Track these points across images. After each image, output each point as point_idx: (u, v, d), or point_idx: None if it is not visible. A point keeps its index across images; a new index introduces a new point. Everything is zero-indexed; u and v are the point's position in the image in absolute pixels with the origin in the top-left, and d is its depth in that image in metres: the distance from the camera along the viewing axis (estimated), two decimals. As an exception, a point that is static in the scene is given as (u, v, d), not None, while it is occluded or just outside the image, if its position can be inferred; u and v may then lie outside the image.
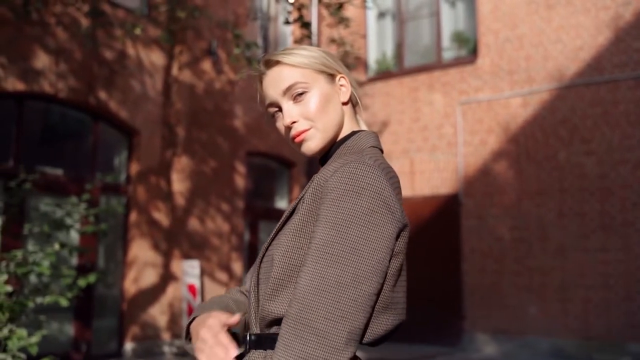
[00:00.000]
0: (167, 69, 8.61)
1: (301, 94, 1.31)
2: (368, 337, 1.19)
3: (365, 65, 10.54)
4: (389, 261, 1.15)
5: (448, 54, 9.87)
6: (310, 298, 1.09)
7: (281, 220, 1.28)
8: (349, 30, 9.08)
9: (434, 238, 9.33)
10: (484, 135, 9.09)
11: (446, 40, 9.91)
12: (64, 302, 5.01)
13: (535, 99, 8.74)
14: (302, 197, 1.26)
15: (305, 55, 1.34)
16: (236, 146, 9.38)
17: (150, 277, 8.08)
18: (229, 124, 9.30)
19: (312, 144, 1.32)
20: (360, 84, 10.43)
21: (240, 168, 9.44)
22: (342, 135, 1.38)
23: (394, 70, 10.34)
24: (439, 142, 9.48)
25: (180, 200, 8.53)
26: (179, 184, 8.53)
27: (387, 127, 10.02)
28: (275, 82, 1.33)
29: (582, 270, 8.11)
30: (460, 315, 8.94)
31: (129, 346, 7.78)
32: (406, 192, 9.65)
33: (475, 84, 9.29)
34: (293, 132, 1.32)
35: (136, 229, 8.01)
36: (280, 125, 1.36)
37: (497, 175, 8.91)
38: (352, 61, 7.73)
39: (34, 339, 4.67)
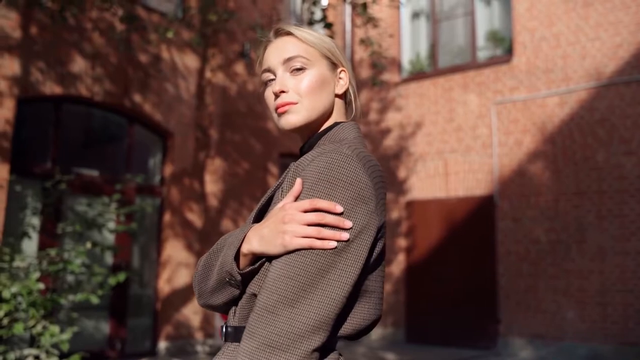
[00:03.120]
0: (201, 71, 8.73)
1: (300, 69, 1.31)
2: (346, 329, 1.17)
3: (398, 66, 10.48)
4: (366, 253, 1.12)
5: (483, 54, 9.73)
6: (278, 285, 1.07)
7: (258, 208, 1.27)
8: (380, 30, 9.05)
9: (469, 240, 9.20)
10: (519, 136, 8.92)
11: (481, 40, 9.77)
12: (94, 300, 5.14)
13: (573, 98, 8.53)
14: (279, 185, 1.25)
15: (316, 36, 1.35)
16: (269, 148, 9.44)
17: (183, 277, 8.19)
18: (261, 125, 9.36)
19: (293, 118, 1.30)
20: (394, 85, 10.38)
21: (273, 169, 9.49)
22: (326, 126, 1.36)
23: (427, 70, 10.24)
24: (473, 142, 9.34)
25: (213, 202, 8.63)
26: (212, 186, 8.63)
27: (421, 128, 9.93)
28: (279, 49, 1.33)
29: (622, 274, 7.87)
30: (495, 319, 8.78)
31: (162, 345, 7.91)
32: (440, 193, 9.55)
33: (511, 83, 9.13)
34: (279, 101, 1.30)
35: (170, 229, 8.13)
36: (269, 93, 1.34)
37: (533, 176, 8.73)
38: (380, 61, 7.66)
39: (65, 335, 4.79)
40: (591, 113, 8.36)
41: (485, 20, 9.81)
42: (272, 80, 1.34)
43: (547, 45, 8.86)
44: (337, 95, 1.38)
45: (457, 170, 9.45)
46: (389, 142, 10.29)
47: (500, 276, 8.83)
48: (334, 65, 1.36)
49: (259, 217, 1.29)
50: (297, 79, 1.31)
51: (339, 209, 1.08)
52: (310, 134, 1.36)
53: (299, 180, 1.14)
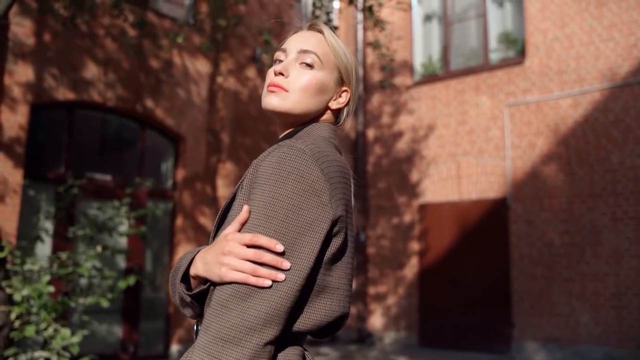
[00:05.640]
0: (212, 76, 8.78)
1: (309, 65, 1.34)
2: (305, 324, 1.17)
3: (410, 68, 10.46)
4: (319, 245, 1.13)
5: (495, 56, 9.67)
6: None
7: (223, 207, 1.29)
8: (387, 32, 9.04)
9: (482, 243, 9.13)
10: (532, 138, 8.84)
11: (493, 42, 9.72)
12: (104, 303, 5.18)
13: (586, 100, 8.44)
14: (241, 182, 1.26)
15: (342, 47, 1.39)
16: (281, 152, 9.46)
17: (195, 281, 8.23)
18: (273, 129, 9.39)
19: (275, 101, 1.32)
20: (406, 88, 10.36)
21: (285, 173, 9.50)
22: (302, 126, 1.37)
23: (440, 73, 10.21)
24: (486, 145, 9.28)
25: (225, 206, 8.67)
26: (224, 190, 8.67)
27: (433, 130, 9.89)
28: (302, 39, 1.37)
29: (638, 277, 7.75)
30: (509, 323, 8.70)
31: (175, 348, 7.95)
32: (453, 196, 9.50)
33: (523, 85, 9.06)
34: (274, 80, 1.33)
35: (182, 233, 8.18)
36: (271, 71, 1.37)
37: (547, 178, 8.64)
38: (389, 63, 7.64)
39: (75, 338, 4.84)
40: (605, 114, 8.27)
41: (498, 21, 9.75)
42: (281, 61, 1.37)
43: (560, 46, 8.79)
44: (330, 109, 1.39)
45: (470, 173, 9.39)
46: (401, 145, 10.27)
47: (514, 279, 8.75)
48: (341, 81, 1.39)
49: (223, 216, 1.30)
50: (301, 72, 1.33)
51: (279, 248, 1.09)
52: (287, 127, 1.38)
53: (245, 208, 1.15)
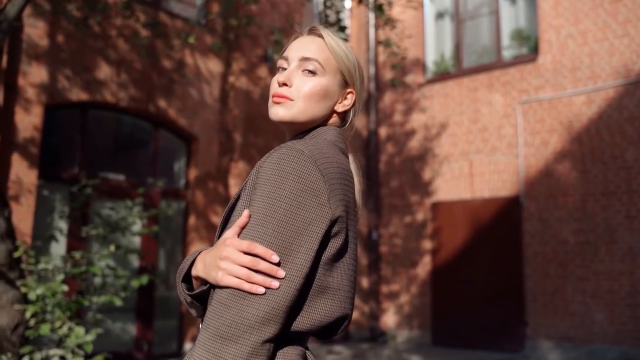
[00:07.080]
0: (224, 76, 8.81)
1: (311, 71, 1.35)
2: (305, 323, 1.18)
3: (423, 66, 10.42)
4: (317, 245, 1.14)
5: (508, 53, 9.61)
6: None
7: (227, 207, 1.31)
8: (397, 31, 9.01)
9: (495, 242, 9.09)
10: (545, 135, 8.78)
11: (506, 39, 9.66)
12: (117, 302, 5.22)
13: (600, 96, 8.36)
14: (245, 183, 1.28)
15: (343, 49, 1.39)
16: (293, 151, 9.47)
17: (208, 280, 8.27)
18: (284, 129, 9.41)
19: (281, 112, 1.34)
20: (418, 86, 10.33)
21: (297, 172, 9.51)
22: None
23: (452, 71, 10.16)
24: (498, 143, 9.23)
25: (237, 205, 8.70)
26: (236, 189, 8.70)
27: (446, 129, 9.85)
28: (303, 46, 1.38)
29: (653, 276, 7.68)
30: (522, 322, 8.65)
31: (188, 346, 7.99)
32: (465, 194, 9.46)
33: (536, 82, 9.00)
34: (278, 91, 1.35)
35: (195, 232, 8.23)
36: (275, 80, 1.38)
37: (560, 176, 8.58)
38: (399, 62, 7.64)
39: (89, 337, 4.88)
40: (619, 111, 8.19)
41: (510, 18, 9.69)
42: (285, 69, 1.38)
43: (573, 43, 8.72)
44: (336, 112, 1.40)
45: (483, 171, 9.35)
46: (414, 143, 10.24)
47: (527, 278, 8.70)
48: (345, 84, 1.40)
49: (227, 216, 1.32)
50: (304, 80, 1.34)
51: (275, 259, 1.11)
52: (294, 134, 1.40)
53: (245, 212, 1.16)
